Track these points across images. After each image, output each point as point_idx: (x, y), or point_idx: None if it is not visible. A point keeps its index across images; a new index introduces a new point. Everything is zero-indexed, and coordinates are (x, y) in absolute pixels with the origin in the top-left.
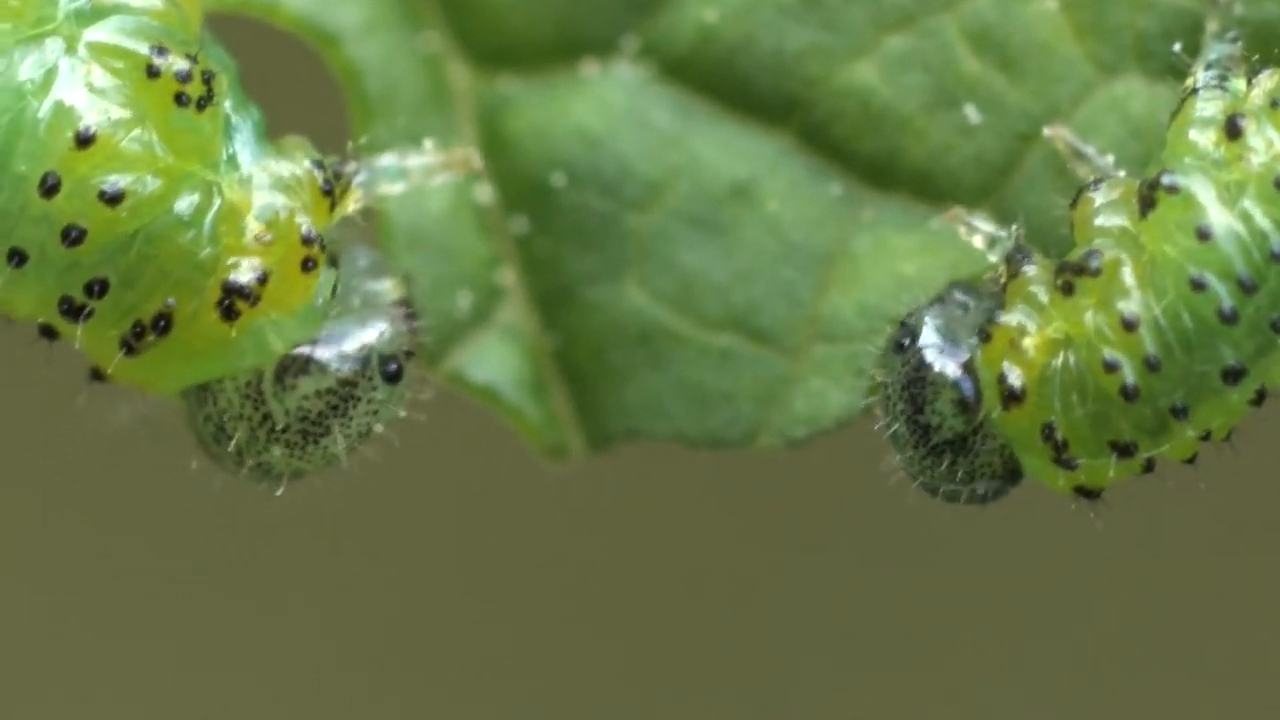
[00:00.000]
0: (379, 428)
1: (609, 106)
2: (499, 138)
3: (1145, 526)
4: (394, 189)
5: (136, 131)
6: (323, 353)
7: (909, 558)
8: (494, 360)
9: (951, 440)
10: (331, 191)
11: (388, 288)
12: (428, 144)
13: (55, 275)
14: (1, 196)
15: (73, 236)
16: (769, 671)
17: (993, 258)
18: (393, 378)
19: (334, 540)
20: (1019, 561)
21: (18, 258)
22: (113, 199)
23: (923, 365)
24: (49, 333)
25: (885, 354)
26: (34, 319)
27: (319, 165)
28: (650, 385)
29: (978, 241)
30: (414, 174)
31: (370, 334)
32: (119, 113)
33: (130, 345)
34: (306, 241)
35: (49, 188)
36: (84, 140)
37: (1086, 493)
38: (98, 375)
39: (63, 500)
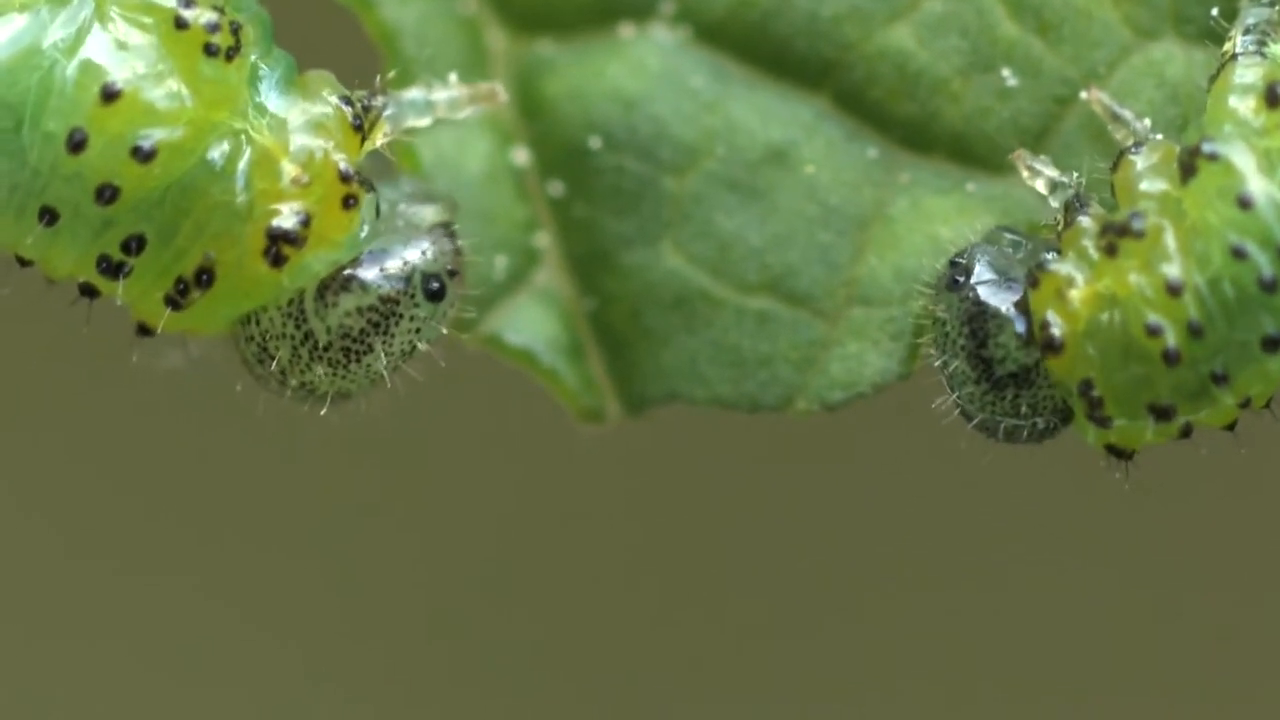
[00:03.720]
0: (422, 345)
1: (645, 70)
2: (536, 101)
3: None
4: (421, 123)
5: (164, 85)
6: (365, 270)
7: (939, 519)
8: (531, 323)
9: (1015, 373)
10: (361, 126)
11: (431, 210)
12: (453, 77)
13: (91, 233)
14: (32, 155)
15: (107, 196)
16: (800, 633)
17: (1054, 203)
18: (435, 295)
19: (367, 504)
20: (1049, 536)
21: (49, 216)
22: (147, 156)
23: (983, 300)
24: (89, 291)
25: (938, 291)
26: (74, 278)
27: (347, 101)
28: (687, 349)
29: (1040, 186)
30: (441, 107)
31: (413, 253)
32: (146, 67)
33: (176, 302)
34: (345, 179)
35: (76, 143)
36: (110, 95)
37: (1118, 452)
38: (144, 329)
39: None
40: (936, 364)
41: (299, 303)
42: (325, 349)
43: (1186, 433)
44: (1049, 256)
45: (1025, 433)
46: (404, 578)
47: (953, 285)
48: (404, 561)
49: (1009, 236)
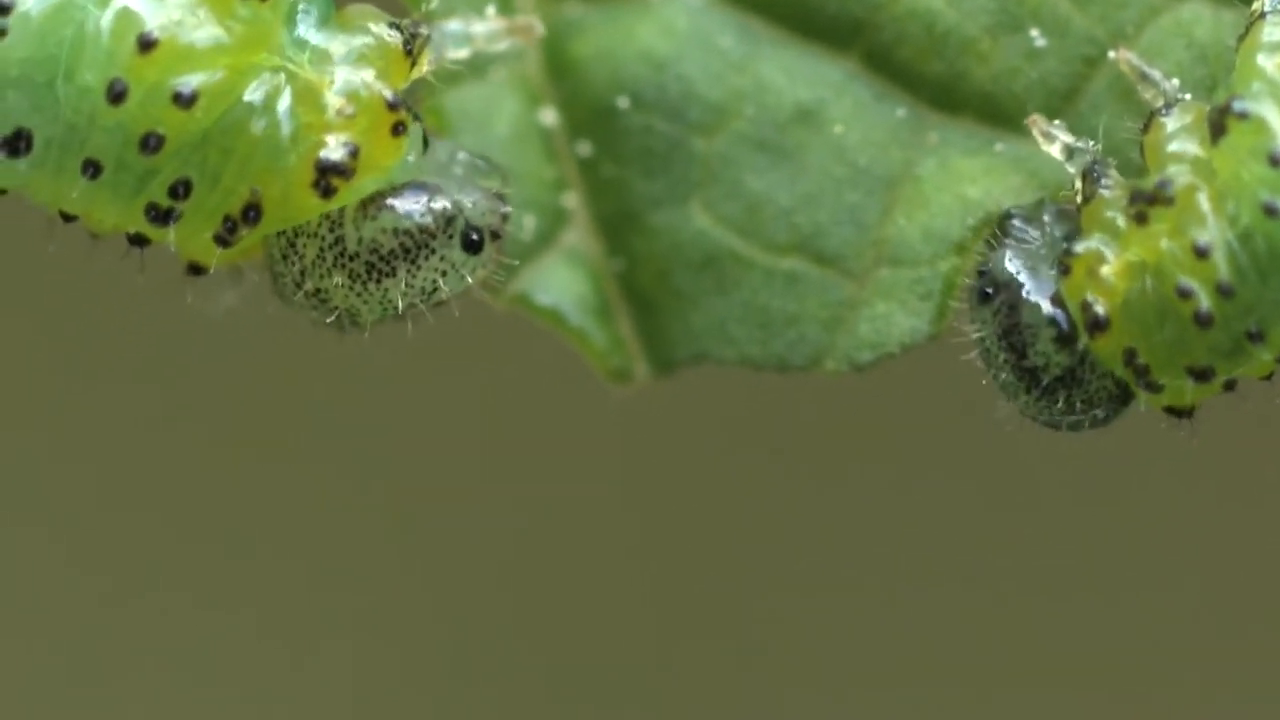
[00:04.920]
0: (444, 289)
1: (674, 30)
2: (564, 62)
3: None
4: (460, 54)
5: (201, 29)
6: (411, 195)
7: (973, 481)
8: (559, 283)
9: (1061, 376)
10: (411, 51)
11: (491, 173)
12: (490, 10)
13: (135, 182)
14: (67, 109)
15: (151, 145)
16: (824, 598)
17: (1070, 169)
18: (470, 246)
19: (390, 468)
20: (1091, 501)
21: (92, 169)
22: (189, 100)
23: (1014, 311)
24: (139, 241)
25: (972, 307)
26: (120, 230)
27: (396, 28)
28: (715, 309)
29: (1055, 151)
30: (478, 39)
31: (465, 199)
32: (181, 13)
33: (224, 240)
34: (392, 107)
35: (116, 94)
36: (146, 44)
37: (1178, 412)
38: (196, 269)
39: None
40: (988, 379)
41: (340, 209)
42: (351, 258)
43: (1230, 386)
44: (1074, 242)
45: (1088, 424)
46: (430, 541)
47: (983, 298)
48: (429, 523)
49: (1019, 225)
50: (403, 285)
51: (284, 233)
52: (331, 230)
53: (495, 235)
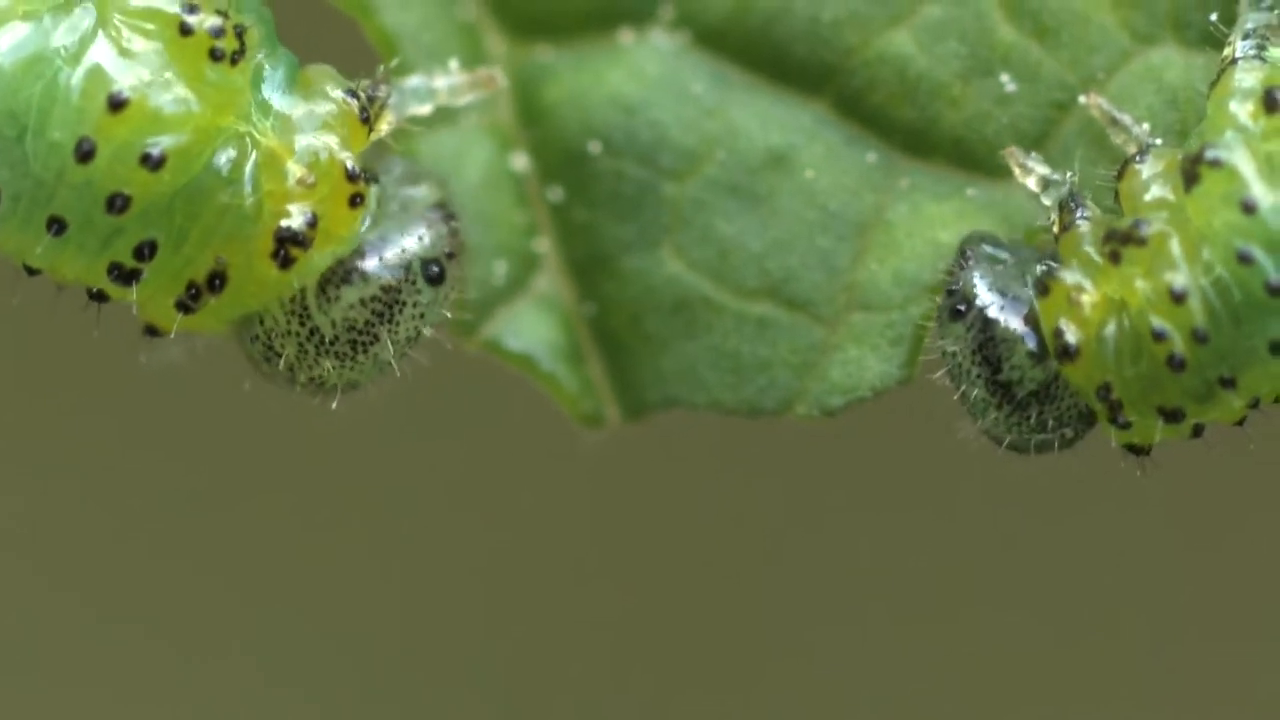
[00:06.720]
0: (427, 331)
1: (645, 75)
2: (535, 107)
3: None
4: (423, 110)
5: (170, 91)
6: (364, 262)
7: (946, 527)
8: (530, 328)
9: (1035, 391)
10: (368, 118)
11: (424, 191)
12: (453, 64)
13: (100, 242)
14: (35, 164)
15: (118, 205)
16: (799, 643)
17: (1046, 201)
18: (435, 280)
19: (366, 508)
20: (1062, 531)
21: (57, 225)
22: (158, 162)
23: (989, 326)
24: (99, 297)
25: (942, 324)
26: (82, 283)
27: (352, 94)
28: (686, 354)
29: (1031, 183)
30: (442, 94)
31: (410, 239)
32: (151, 74)
33: (187, 306)
34: (351, 178)
35: (84, 153)
36: (116, 104)
37: (1136, 450)
38: (152, 330)
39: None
40: (956, 396)
41: (301, 299)
42: (332, 343)
43: (1198, 432)
44: (1055, 265)
45: (1055, 444)
46: (403, 580)
47: (955, 316)
48: (403, 565)
49: (992, 250)
50: (389, 345)
51: (258, 338)
52: (303, 324)
53: (451, 255)
